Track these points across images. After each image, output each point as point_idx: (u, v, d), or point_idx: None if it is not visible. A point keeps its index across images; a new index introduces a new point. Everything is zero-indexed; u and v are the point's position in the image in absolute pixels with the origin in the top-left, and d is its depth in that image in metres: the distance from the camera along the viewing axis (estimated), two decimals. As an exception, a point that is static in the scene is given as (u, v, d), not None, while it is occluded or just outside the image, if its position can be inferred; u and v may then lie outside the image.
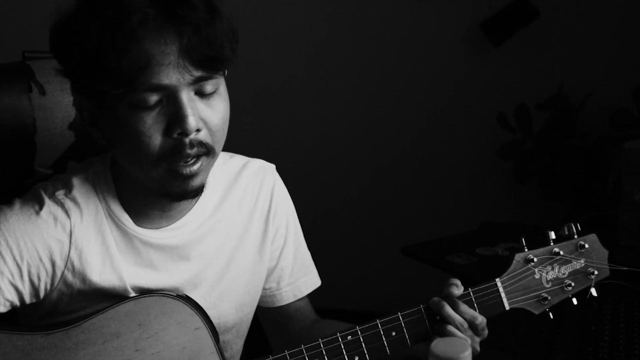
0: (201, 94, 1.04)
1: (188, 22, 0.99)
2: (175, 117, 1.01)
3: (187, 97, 1.02)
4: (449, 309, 1.11)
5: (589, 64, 2.54)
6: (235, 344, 1.26)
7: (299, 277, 1.29)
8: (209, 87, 1.04)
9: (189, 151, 1.03)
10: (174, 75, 1.00)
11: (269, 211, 1.24)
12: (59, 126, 1.29)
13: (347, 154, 2.81)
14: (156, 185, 1.07)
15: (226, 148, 1.24)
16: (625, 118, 2.37)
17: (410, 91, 2.72)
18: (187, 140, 1.02)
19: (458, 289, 1.13)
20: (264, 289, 1.27)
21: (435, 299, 1.13)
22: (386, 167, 2.79)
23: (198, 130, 1.03)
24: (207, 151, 1.05)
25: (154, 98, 1.01)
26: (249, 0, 2.72)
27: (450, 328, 1.11)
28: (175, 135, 1.02)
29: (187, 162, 1.04)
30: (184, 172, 1.04)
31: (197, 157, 1.04)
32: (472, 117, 2.67)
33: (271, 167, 1.27)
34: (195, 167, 1.05)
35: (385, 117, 2.76)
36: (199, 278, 1.18)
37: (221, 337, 1.20)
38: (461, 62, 2.66)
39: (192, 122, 1.01)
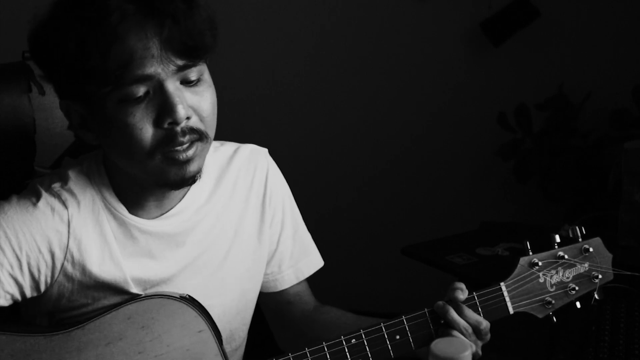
0: (186, 82, 1.05)
1: (167, 14, 1.01)
2: (164, 108, 1.02)
3: (173, 86, 1.03)
4: (453, 314, 1.11)
5: (589, 64, 2.54)
6: (242, 331, 1.26)
7: (299, 259, 1.29)
8: (193, 75, 1.05)
9: (181, 139, 1.04)
10: (158, 66, 1.01)
11: (264, 195, 1.24)
12: (59, 126, 1.29)
13: (347, 153, 2.81)
14: (153, 177, 1.07)
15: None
16: (625, 118, 2.37)
17: (410, 91, 2.72)
18: (178, 128, 1.03)
19: (463, 294, 1.12)
20: (266, 274, 1.28)
21: (440, 303, 1.13)
22: (386, 167, 2.79)
23: (188, 118, 1.04)
24: (200, 137, 1.06)
25: (141, 90, 1.02)
26: (250, 0, 2.71)
27: (455, 332, 1.11)
28: (166, 126, 1.03)
29: (181, 148, 1.05)
30: (180, 157, 1.05)
31: (191, 143, 1.05)
32: (472, 117, 2.67)
33: (264, 151, 1.28)
34: (190, 152, 1.05)
35: (386, 117, 2.76)
36: (198, 265, 1.18)
37: (228, 326, 1.21)
38: (461, 62, 2.66)
39: (180, 110, 1.02)
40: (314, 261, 1.31)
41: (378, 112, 2.76)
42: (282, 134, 2.82)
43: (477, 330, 1.11)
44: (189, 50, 1.02)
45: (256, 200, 1.24)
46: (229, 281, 1.21)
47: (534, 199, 2.57)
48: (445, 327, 1.12)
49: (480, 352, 1.13)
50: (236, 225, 1.22)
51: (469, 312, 1.11)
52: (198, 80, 1.06)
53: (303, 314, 1.29)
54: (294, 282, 1.29)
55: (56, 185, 1.11)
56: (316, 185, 2.81)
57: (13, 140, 1.27)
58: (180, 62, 1.02)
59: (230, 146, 1.25)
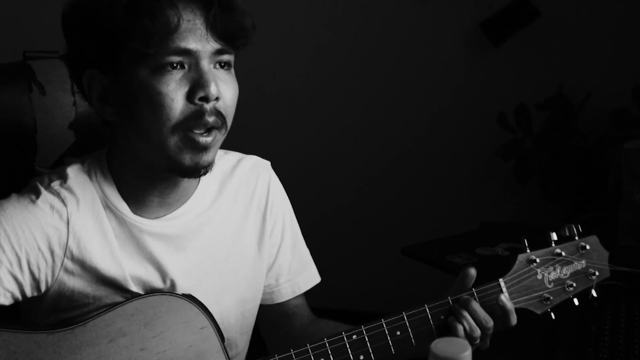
0: (218, 67, 1.09)
1: None
2: (198, 82, 1.06)
3: (207, 66, 1.07)
4: (476, 305, 1.13)
5: (589, 64, 2.54)
6: (240, 341, 1.26)
7: (297, 273, 1.30)
8: (225, 62, 1.09)
9: (208, 118, 1.06)
10: (199, 43, 1.05)
11: (265, 207, 1.25)
12: (59, 126, 1.30)
13: (347, 154, 2.81)
14: (168, 158, 1.08)
15: (225, 147, 1.25)
16: (625, 118, 2.37)
17: (410, 91, 2.72)
18: (207, 106, 1.06)
19: (474, 271, 1.15)
20: (264, 285, 1.28)
21: (465, 295, 1.14)
22: (386, 167, 2.79)
23: (217, 99, 1.07)
24: (221, 124, 1.08)
25: (178, 62, 1.05)
26: (250, 0, 2.72)
27: (457, 325, 1.12)
28: (196, 101, 1.06)
29: (203, 132, 1.07)
30: (200, 141, 1.07)
31: (212, 129, 1.07)
32: (472, 117, 2.67)
33: (266, 164, 1.28)
34: (210, 138, 1.08)
35: (386, 117, 2.76)
36: (198, 272, 1.18)
37: (225, 335, 1.20)
38: (461, 62, 2.66)
39: (214, 87, 1.06)
40: (311, 276, 1.31)
41: (379, 112, 2.76)
42: (283, 134, 2.83)
43: (484, 329, 1.13)
44: (229, 36, 1.07)
45: (257, 211, 1.24)
46: (226, 289, 1.21)
47: (534, 199, 2.57)
48: (445, 322, 1.13)
49: (488, 343, 1.15)
50: (236, 234, 1.22)
51: (478, 307, 1.13)
52: (228, 69, 1.10)
53: (299, 328, 1.29)
54: (291, 296, 1.29)
55: (55, 184, 1.12)
56: (317, 185, 2.82)
57: (14, 140, 1.27)
58: (219, 45, 1.07)
59: (234, 155, 1.26)
